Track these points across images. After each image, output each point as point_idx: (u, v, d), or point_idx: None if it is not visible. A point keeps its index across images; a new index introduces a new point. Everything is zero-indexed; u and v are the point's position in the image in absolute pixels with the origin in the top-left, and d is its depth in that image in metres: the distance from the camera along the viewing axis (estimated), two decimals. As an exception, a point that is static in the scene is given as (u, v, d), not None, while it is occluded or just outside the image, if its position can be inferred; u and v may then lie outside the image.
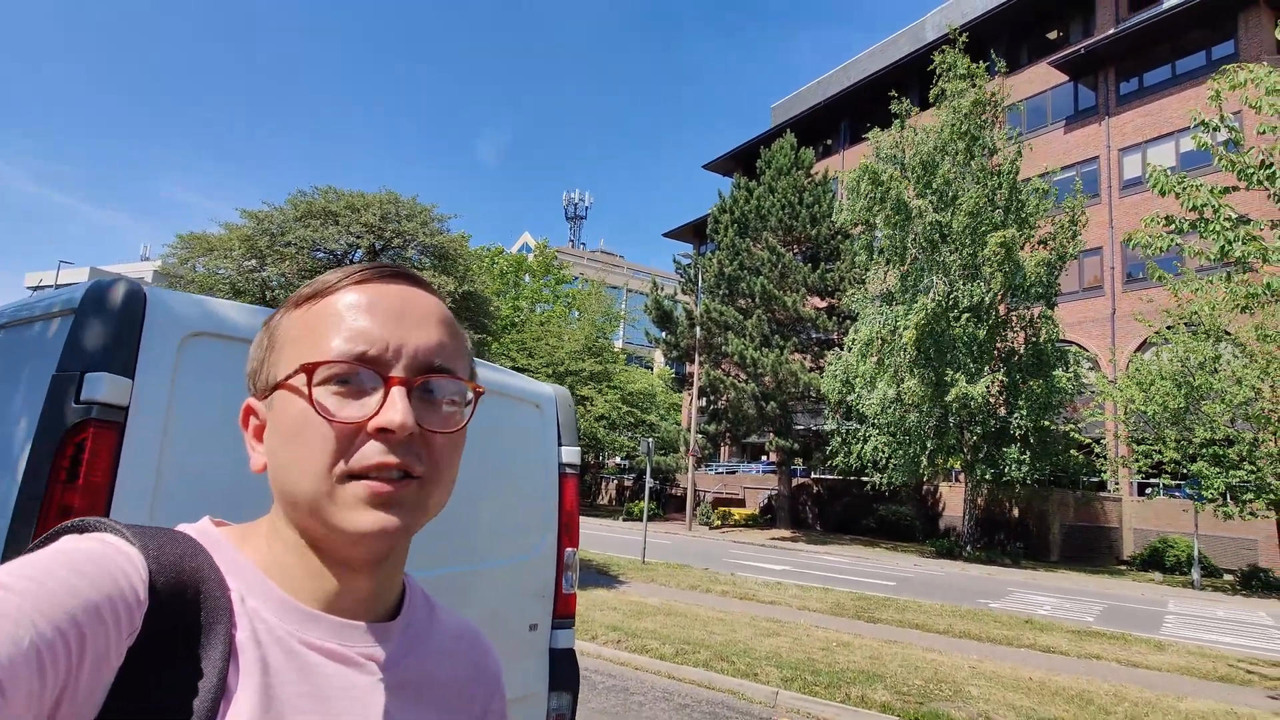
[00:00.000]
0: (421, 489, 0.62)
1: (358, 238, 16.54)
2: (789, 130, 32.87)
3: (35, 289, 60.37)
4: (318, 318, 0.64)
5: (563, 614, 3.31)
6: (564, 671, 3.26)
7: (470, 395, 0.67)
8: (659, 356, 49.72)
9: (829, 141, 38.63)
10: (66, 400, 1.96)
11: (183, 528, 0.64)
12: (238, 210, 17.39)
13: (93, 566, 0.53)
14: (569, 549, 3.38)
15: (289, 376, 0.62)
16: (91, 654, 0.50)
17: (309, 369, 0.61)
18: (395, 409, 0.60)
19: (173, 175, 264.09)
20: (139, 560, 0.56)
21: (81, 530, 0.58)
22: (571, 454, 3.47)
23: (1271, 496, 16.84)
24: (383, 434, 0.60)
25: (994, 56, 22.39)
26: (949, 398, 19.77)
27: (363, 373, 0.61)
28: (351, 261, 17.71)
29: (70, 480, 1.93)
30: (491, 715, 0.77)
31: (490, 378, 3.16)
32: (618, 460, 43.47)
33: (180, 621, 0.56)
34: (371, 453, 0.60)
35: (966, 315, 20.20)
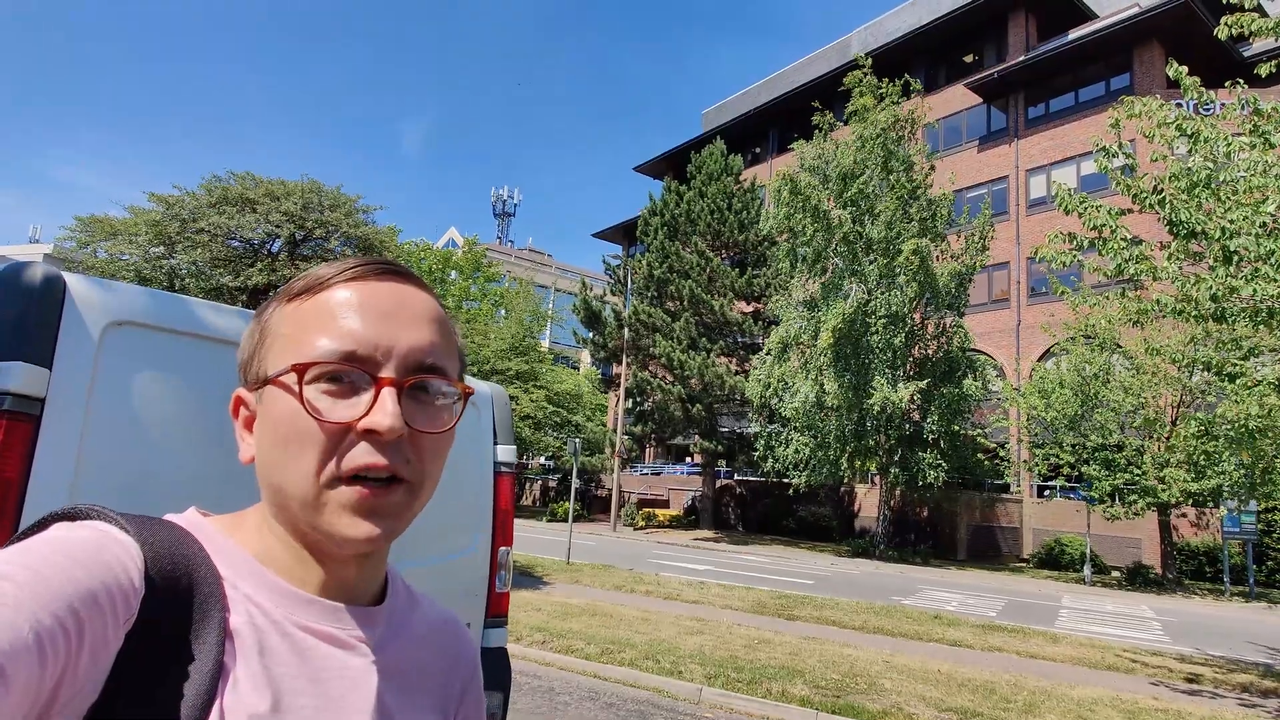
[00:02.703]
0: (408, 492, 0.63)
1: (277, 226, 15.87)
2: (719, 137, 33.39)
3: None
4: (309, 313, 0.64)
5: (495, 613, 3.30)
6: (496, 671, 3.24)
7: (459, 395, 0.67)
8: (586, 357, 49.64)
9: (758, 149, 39.44)
10: (-25, 391, 1.85)
11: (170, 517, 0.64)
12: (145, 193, 16.42)
13: (89, 555, 0.53)
14: (503, 548, 3.37)
15: (280, 374, 0.62)
16: (90, 642, 0.51)
17: (300, 369, 0.61)
18: (384, 411, 0.60)
19: (62, 153, 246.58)
20: (134, 548, 0.56)
21: (73, 518, 0.58)
22: (507, 453, 3.46)
23: (1153, 498, 18.18)
24: (371, 435, 0.61)
25: (909, 78, 23.39)
26: (871, 401, 20.51)
27: (353, 372, 0.62)
28: (269, 251, 16.98)
29: (-21, 475, 1.82)
30: (469, 699, 0.79)
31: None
32: (542, 461, 43.16)
33: (175, 608, 0.57)
34: (360, 455, 0.60)
35: (884, 322, 21.00)
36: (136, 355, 2.11)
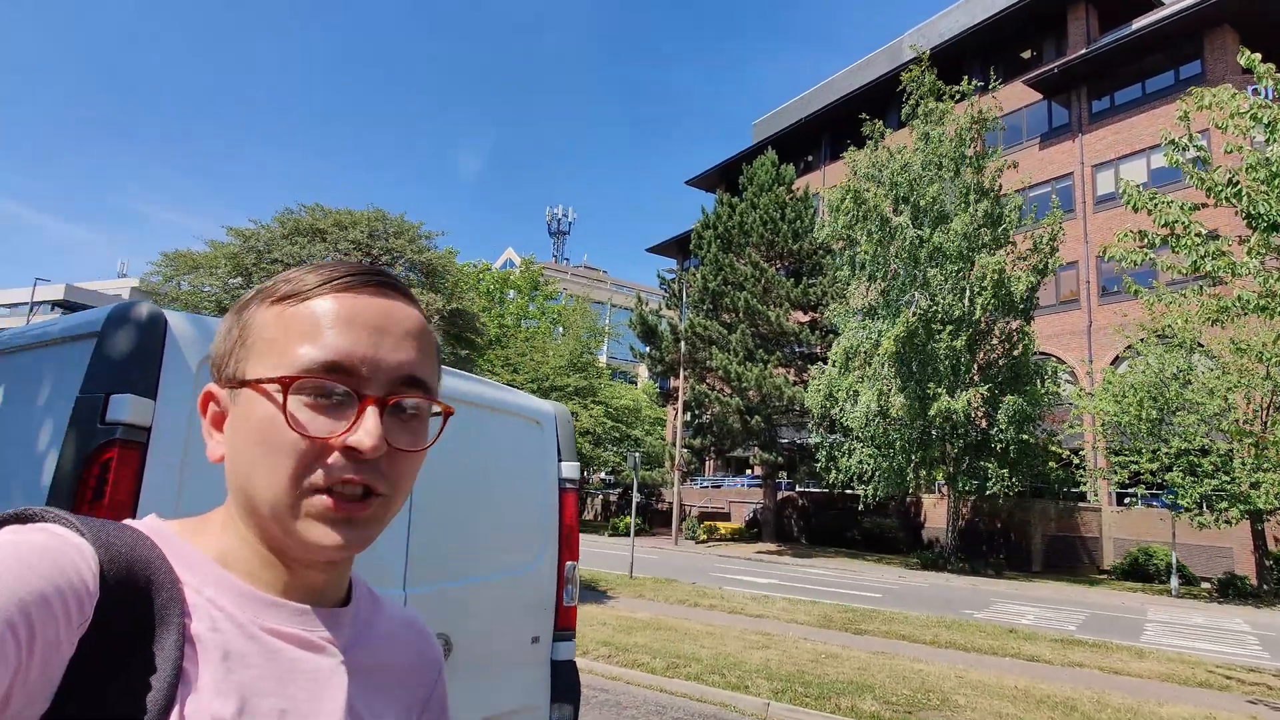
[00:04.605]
0: (380, 507, 0.63)
1: (345, 255, 16.57)
2: (770, 147, 33.29)
3: (11, 306, 59.38)
4: (294, 321, 0.63)
5: (564, 626, 3.38)
6: (565, 683, 3.32)
7: (438, 412, 0.68)
8: (643, 371, 49.80)
9: (810, 158, 39.14)
10: (92, 421, 2.02)
11: (130, 523, 0.63)
12: (224, 227, 17.41)
13: (40, 558, 0.52)
14: (569, 562, 3.46)
15: (262, 380, 0.62)
16: (41, 646, 0.49)
17: (286, 382, 0.60)
18: (366, 430, 0.60)
19: (144, 191, 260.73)
20: (89, 552, 0.55)
21: (25, 520, 0.57)
22: (571, 469, 3.55)
23: (1246, 505, 17.18)
24: (351, 452, 0.61)
25: (991, 74, 22.95)
26: (931, 412, 20.03)
27: (336, 387, 0.61)
28: (340, 279, 17.69)
29: (96, 499, 1.98)
30: (434, 700, 0.79)
31: (492, 395, 3.24)
32: (602, 475, 43.46)
33: (132, 612, 0.56)
34: (338, 470, 0.61)
35: (949, 329, 20.50)
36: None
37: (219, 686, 0.58)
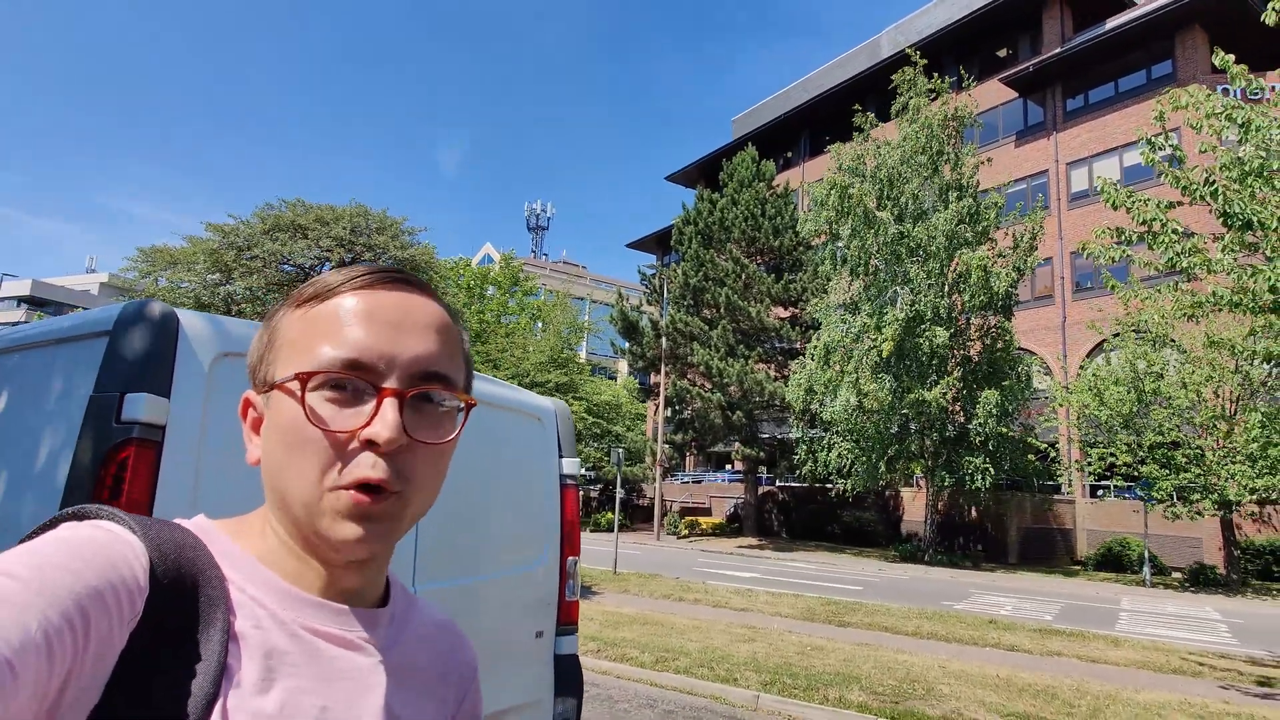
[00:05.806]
0: (400, 501, 0.63)
1: (327, 251, 16.36)
2: (750, 143, 33.41)
3: (-24, 303, 57.97)
4: (316, 320, 0.65)
5: (566, 621, 3.41)
6: (569, 677, 3.35)
7: (462, 405, 0.68)
8: (623, 367, 49.84)
9: (789, 154, 39.33)
10: (107, 420, 2.01)
11: (179, 522, 0.65)
12: (202, 223, 17.11)
13: (95, 553, 0.54)
14: (571, 558, 3.49)
15: (285, 380, 0.63)
16: (95, 639, 0.51)
17: (304, 377, 0.62)
18: (385, 422, 0.61)
19: (120, 186, 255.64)
20: (140, 548, 0.57)
21: (81, 518, 0.59)
22: (571, 465, 3.57)
23: (1217, 496, 17.60)
24: (371, 444, 0.61)
25: (962, 73, 23.21)
26: (903, 403, 20.30)
27: (356, 381, 0.62)
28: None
29: (113, 498, 1.97)
30: (468, 701, 0.80)
31: (494, 392, 3.25)
32: (583, 471, 43.42)
33: (180, 608, 0.57)
34: (359, 466, 0.61)
35: (935, 326, 20.72)
36: (242, 383, 2.27)
37: (261, 683, 0.59)
